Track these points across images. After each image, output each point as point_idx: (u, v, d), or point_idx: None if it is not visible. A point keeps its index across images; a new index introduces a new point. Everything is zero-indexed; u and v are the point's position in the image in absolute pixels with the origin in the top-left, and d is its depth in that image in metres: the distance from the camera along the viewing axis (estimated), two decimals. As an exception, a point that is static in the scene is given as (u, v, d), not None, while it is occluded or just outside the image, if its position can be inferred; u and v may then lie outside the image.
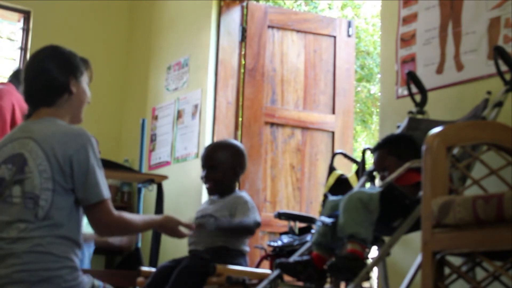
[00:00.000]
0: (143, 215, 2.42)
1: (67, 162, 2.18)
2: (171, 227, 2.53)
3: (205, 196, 4.67)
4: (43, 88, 2.31)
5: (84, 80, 2.39)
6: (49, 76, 2.30)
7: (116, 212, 2.27)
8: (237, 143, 3.60)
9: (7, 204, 2.17)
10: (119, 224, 2.28)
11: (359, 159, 3.54)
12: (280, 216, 3.89)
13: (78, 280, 2.15)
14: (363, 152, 3.51)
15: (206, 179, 3.41)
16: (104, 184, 2.26)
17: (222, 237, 3.25)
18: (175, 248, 4.27)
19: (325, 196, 3.33)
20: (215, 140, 4.87)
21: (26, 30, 5.80)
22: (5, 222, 2.15)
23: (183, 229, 2.60)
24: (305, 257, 2.66)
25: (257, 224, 3.25)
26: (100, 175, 2.25)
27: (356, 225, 2.47)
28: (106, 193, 2.26)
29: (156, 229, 2.51)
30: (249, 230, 3.23)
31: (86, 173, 2.21)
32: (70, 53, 2.38)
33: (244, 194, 3.38)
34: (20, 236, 2.11)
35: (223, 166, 3.36)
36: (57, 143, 2.19)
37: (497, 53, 2.79)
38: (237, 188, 3.46)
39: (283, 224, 4.37)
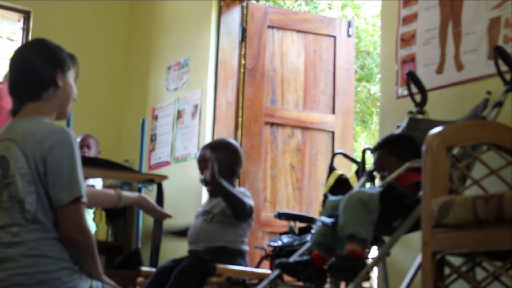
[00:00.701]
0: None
1: (42, 162, 2.10)
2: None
3: (205, 196, 4.67)
4: (28, 81, 2.23)
5: (71, 75, 2.31)
6: (35, 69, 2.23)
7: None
8: (231, 140, 3.58)
9: None
10: (89, 233, 2.13)
11: (359, 159, 3.54)
12: (280, 216, 3.89)
13: (76, 281, 2.13)
14: (363, 152, 3.51)
15: (206, 182, 3.41)
16: (79, 184, 2.12)
17: (222, 237, 3.25)
18: (175, 248, 4.26)
19: (325, 196, 3.33)
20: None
21: (26, 30, 5.80)
22: None
23: None
24: (305, 257, 2.65)
25: (251, 209, 3.25)
26: (76, 174, 2.12)
27: (356, 225, 2.47)
28: (81, 194, 2.12)
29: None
30: (243, 204, 3.21)
31: (59, 171, 2.10)
32: (57, 47, 2.31)
33: (243, 189, 3.38)
34: (14, 241, 2.09)
35: (219, 167, 3.35)
36: (35, 143, 2.12)
37: (497, 53, 2.79)
38: (237, 186, 3.47)
39: (283, 224, 4.37)
